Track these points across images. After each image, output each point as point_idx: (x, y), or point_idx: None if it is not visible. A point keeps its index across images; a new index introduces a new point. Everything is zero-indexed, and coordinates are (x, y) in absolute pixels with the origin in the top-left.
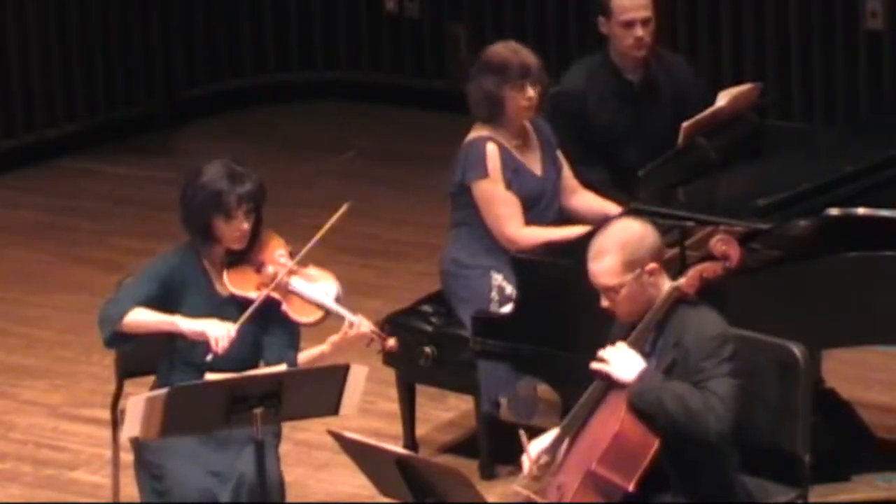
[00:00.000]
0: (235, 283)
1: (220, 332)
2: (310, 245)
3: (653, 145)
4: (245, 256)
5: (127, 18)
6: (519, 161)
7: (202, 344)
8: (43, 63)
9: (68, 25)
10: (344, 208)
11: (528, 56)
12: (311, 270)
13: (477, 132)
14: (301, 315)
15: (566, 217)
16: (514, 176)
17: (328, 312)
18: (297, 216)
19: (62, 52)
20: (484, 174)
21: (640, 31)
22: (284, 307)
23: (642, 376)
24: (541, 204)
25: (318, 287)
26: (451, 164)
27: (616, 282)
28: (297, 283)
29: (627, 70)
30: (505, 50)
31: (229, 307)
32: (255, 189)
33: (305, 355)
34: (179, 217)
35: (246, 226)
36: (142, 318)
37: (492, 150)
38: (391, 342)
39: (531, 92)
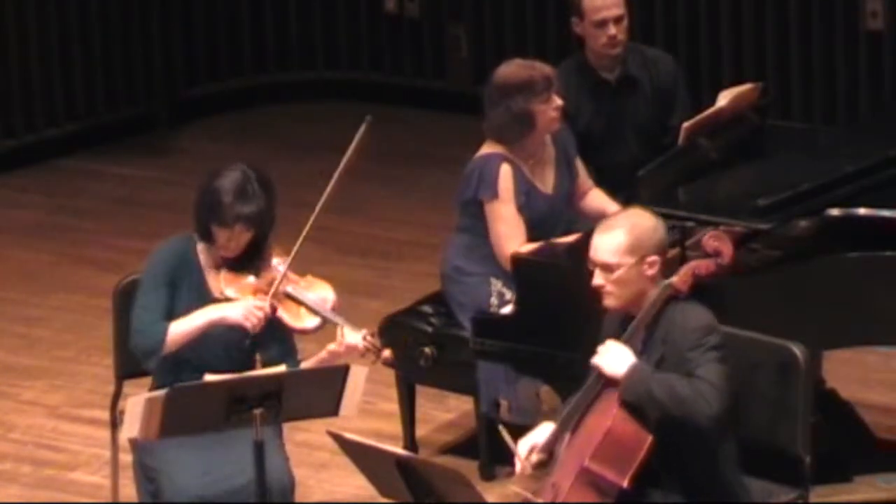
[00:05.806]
0: (231, 285)
1: (258, 313)
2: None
3: (639, 141)
4: (244, 262)
5: (127, 19)
6: (530, 182)
7: (196, 343)
8: (43, 63)
9: (68, 25)
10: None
11: (544, 67)
12: (310, 279)
13: (491, 148)
14: (296, 321)
15: (578, 223)
16: (526, 199)
17: (324, 319)
18: (296, 216)
19: (62, 52)
20: (494, 195)
21: (613, 30)
22: (280, 312)
23: (632, 370)
24: (550, 221)
25: (314, 294)
26: (463, 175)
27: (615, 260)
28: (293, 288)
29: (604, 69)
30: (520, 68)
31: None
32: (255, 213)
33: (307, 363)
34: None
35: (237, 243)
36: (181, 330)
37: (505, 170)
38: (386, 353)
39: (558, 101)
